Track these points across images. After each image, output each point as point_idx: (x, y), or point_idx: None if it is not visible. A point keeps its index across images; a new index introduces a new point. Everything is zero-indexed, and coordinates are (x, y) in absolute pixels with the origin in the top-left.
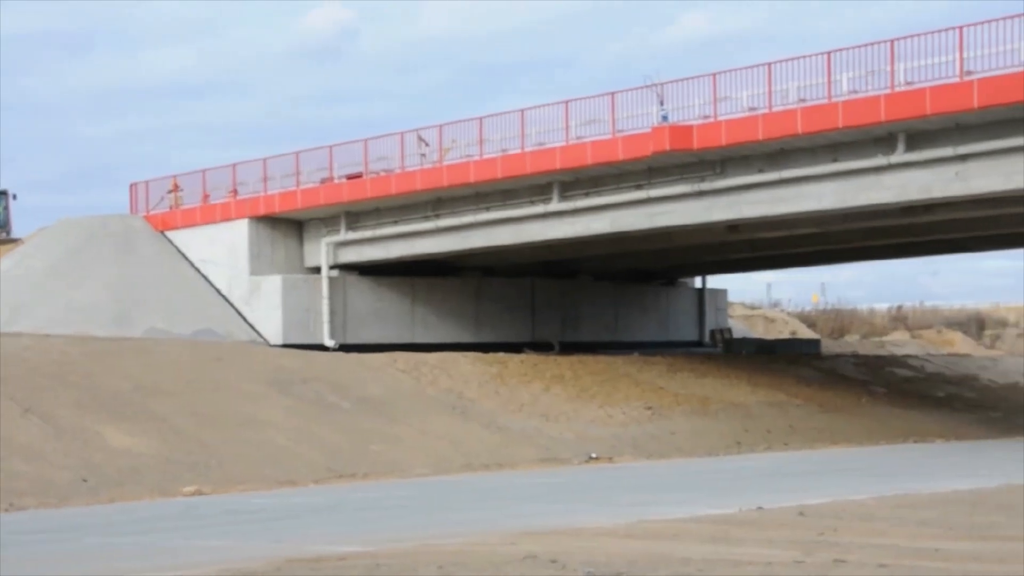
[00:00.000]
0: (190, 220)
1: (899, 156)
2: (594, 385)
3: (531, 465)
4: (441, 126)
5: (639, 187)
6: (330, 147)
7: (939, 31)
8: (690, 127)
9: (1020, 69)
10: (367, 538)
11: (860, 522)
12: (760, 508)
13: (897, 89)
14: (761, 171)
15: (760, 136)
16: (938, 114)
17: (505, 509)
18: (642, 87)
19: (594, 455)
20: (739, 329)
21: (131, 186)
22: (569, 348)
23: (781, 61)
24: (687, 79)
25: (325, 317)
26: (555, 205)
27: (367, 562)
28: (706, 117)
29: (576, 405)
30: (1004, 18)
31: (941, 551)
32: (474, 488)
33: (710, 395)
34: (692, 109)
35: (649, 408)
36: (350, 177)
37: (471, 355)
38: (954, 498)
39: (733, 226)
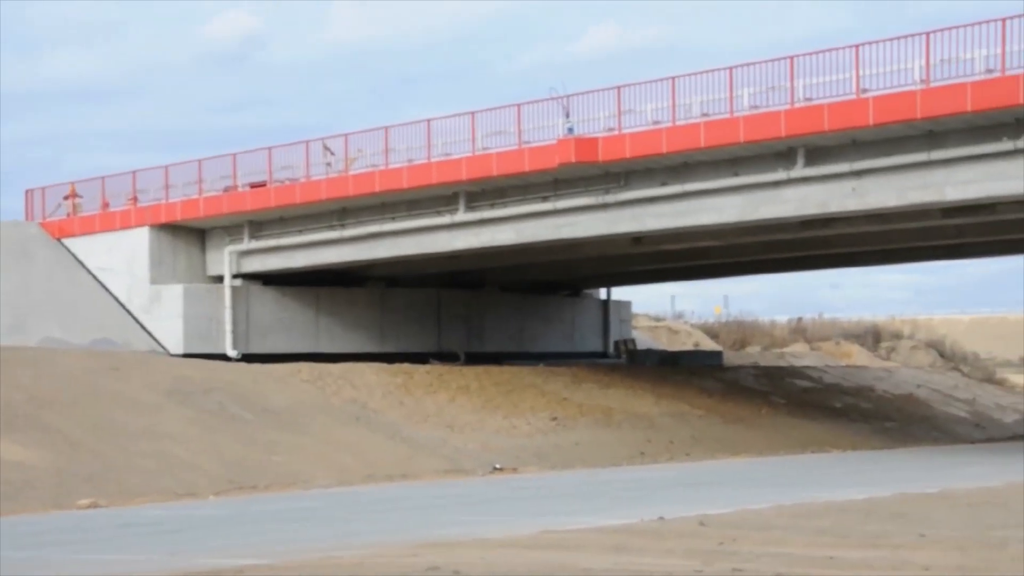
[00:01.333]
0: (88, 228)
1: (799, 171)
2: (499, 396)
3: (435, 476)
4: (347, 135)
5: (545, 199)
6: (234, 155)
7: (837, 49)
8: (595, 139)
9: (913, 88)
10: (266, 550)
11: (759, 531)
12: (661, 518)
13: (797, 105)
14: (665, 184)
15: (664, 149)
16: (835, 130)
17: (408, 520)
18: (548, 99)
19: (498, 466)
20: (643, 340)
21: (26, 192)
22: (475, 359)
23: (685, 75)
24: (592, 92)
25: (228, 327)
26: (461, 216)
27: (265, 575)
28: (611, 130)
29: (481, 416)
30: (898, 37)
31: (835, 559)
32: (377, 499)
33: (614, 406)
34: (598, 122)
35: (554, 419)
36: (254, 186)
37: (376, 365)
38: (849, 507)
39: (637, 238)
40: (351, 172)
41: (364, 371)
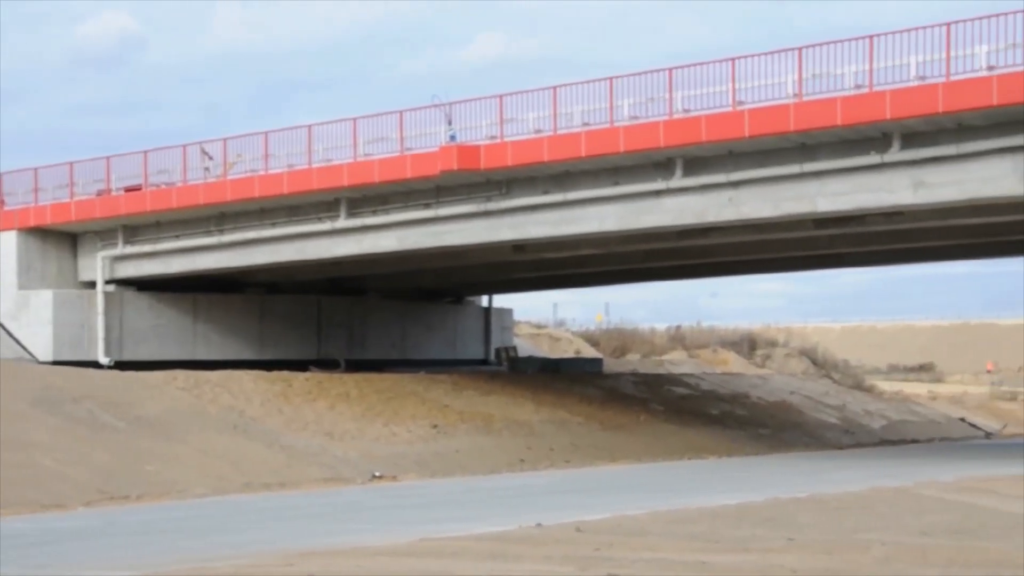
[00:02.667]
0: None
1: (677, 181)
2: (380, 403)
3: (314, 484)
4: (226, 140)
5: (427, 206)
6: (108, 158)
7: (714, 62)
8: (477, 147)
9: (787, 101)
10: (136, 563)
11: (634, 537)
12: (539, 525)
13: (675, 116)
14: (546, 192)
15: (545, 158)
16: (713, 142)
17: (285, 530)
18: (430, 106)
19: (378, 474)
20: (525, 348)
21: None
22: (356, 366)
23: (566, 85)
24: (475, 100)
25: (100, 333)
26: (342, 222)
27: None
28: (493, 138)
29: (361, 423)
30: (773, 52)
31: (707, 564)
32: (254, 509)
33: (495, 413)
34: (480, 130)
35: (434, 426)
36: (128, 189)
37: (254, 373)
38: (722, 512)
39: (519, 246)
40: (229, 177)
41: (242, 379)
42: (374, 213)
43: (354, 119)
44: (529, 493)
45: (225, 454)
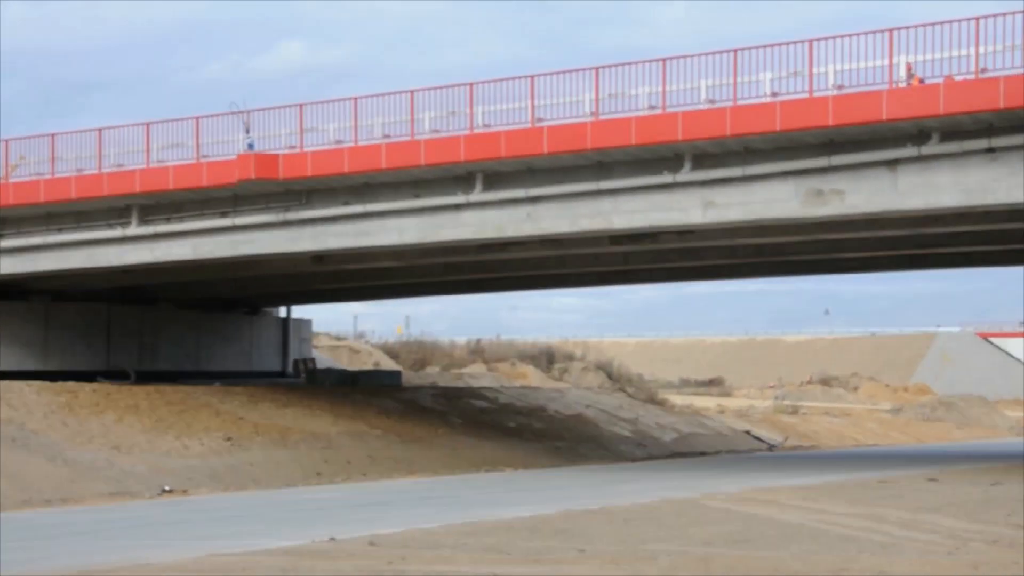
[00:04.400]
0: None
1: (477, 195)
2: (171, 415)
3: (100, 499)
4: (8, 141)
5: (224, 214)
6: None
7: (514, 78)
8: (276, 156)
9: (584, 119)
10: None
11: (428, 550)
12: (333, 539)
13: (476, 131)
14: (347, 203)
15: (346, 169)
16: (512, 157)
17: (65, 548)
18: (228, 113)
19: (168, 488)
20: (324, 360)
21: None
22: (147, 377)
23: (367, 96)
24: (275, 108)
25: None
26: (134, 229)
27: None
28: (293, 147)
29: (151, 436)
30: (571, 71)
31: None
32: (32, 526)
33: (291, 425)
34: (279, 139)
35: (228, 439)
36: None
37: (37, 384)
38: (516, 524)
39: (319, 257)
40: (11, 180)
41: (23, 389)
42: (168, 221)
43: (148, 124)
44: (324, 507)
45: (2, 469)
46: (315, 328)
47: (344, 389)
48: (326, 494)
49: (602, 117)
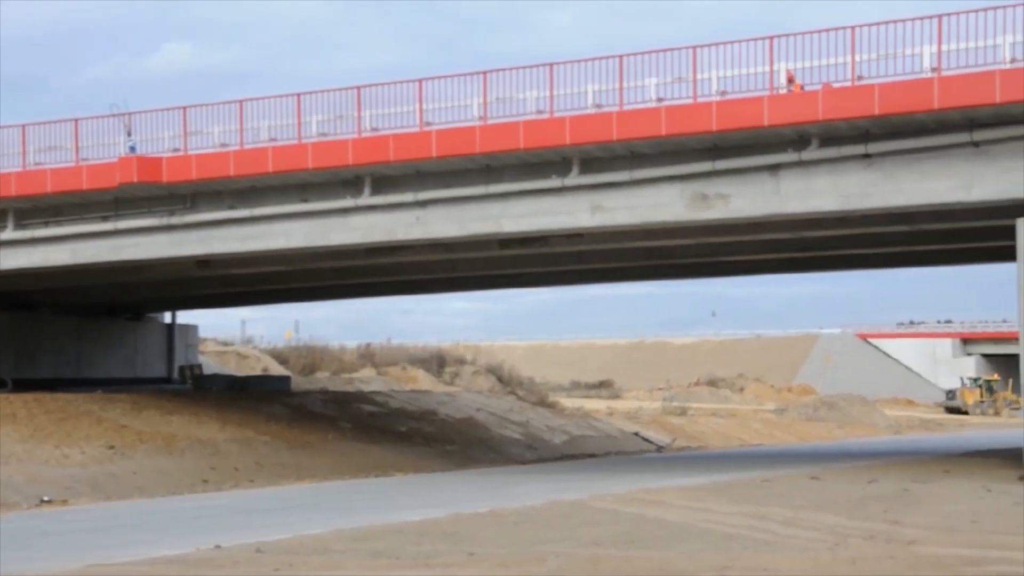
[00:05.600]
0: None
1: (365, 199)
2: (50, 424)
3: None
4: None
5: (105, 218)
6: None
7: (403, 82)
8: (159, 160)
9: (473, 124)
10: None
11: (316, 556)
12: (218, 547)
13: (364, 135)
14: (232, 207)
15: (231, 172)
16: (400, 161)
17: None
18: (109, 115)
19: (47, 498)
20: (211, 366)
21: None
22: (25, 385)
23: (253, 100)
24: (158, 110)
25: None
26: (9, 234)
27: None
28: (177, 151)
29: (29, 446)
30: (459, 74)
31: None
32: None
33: (176, 433)
34: (163, 141)
35: (111, 447)
36: None
37: None
38: (405, 528)
39: (204, 261)
40: None
41: None
42: (46, 225)
43: (23, 125)
44: (211, 514)
45: None
46: (202, 333)
47: (232, 395)
48: (212, 501)
49: (491, 121)
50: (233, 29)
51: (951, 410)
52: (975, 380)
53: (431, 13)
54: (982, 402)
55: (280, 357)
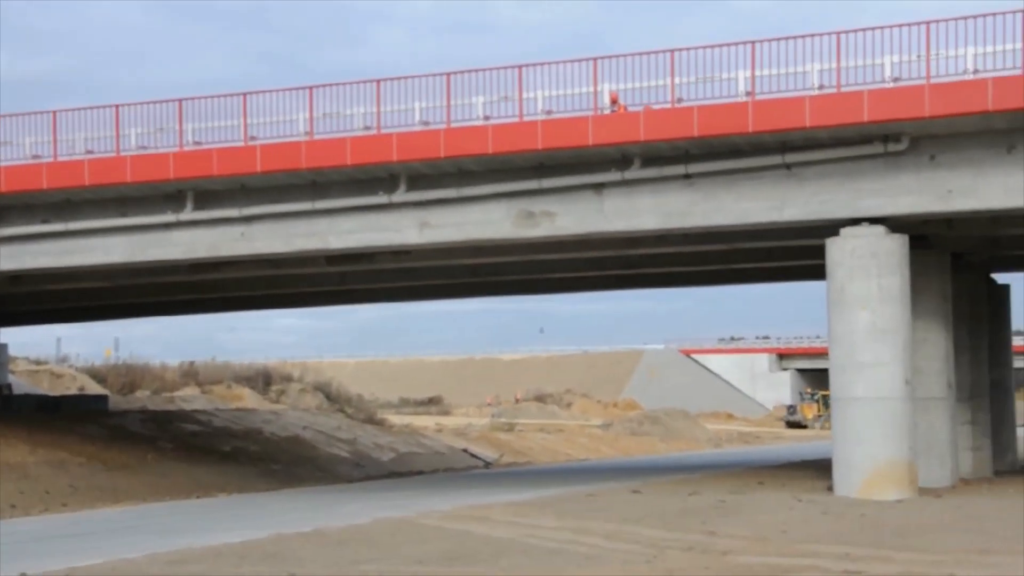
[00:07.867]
0: None
1: (188, 214)
2: None
3: None
4: None
5: None
6: None
7: (226, 95)
8: None
9: (299, 139)
10: None
11: None
12: (23, 574)
13: (186, 148)
14: (46, 221)
15: (44, 185)
16: (225, 175)
17: None
18: None
19: None
20: (21, 385)
21: None
22: None
23: (68, 110)
24: None
25: None
26: None
27: None
28: None
29: None
30: (285, 89)
31: None
32: None
33: None
34: None
35: None
36: None
37: None
38: (225, 551)
39: (15, 277)
40: None
41: None
42: None
43: None
44: (17, 540)
45: None
46: (12, 352)
47: (44, 416)
48: (21, 527)
49: (317, 137)
50: (52, 37)
51: (792, 424)
52: (812, 395)
53: (259, 27)
54: (820, 416)
55: (98, 376)
